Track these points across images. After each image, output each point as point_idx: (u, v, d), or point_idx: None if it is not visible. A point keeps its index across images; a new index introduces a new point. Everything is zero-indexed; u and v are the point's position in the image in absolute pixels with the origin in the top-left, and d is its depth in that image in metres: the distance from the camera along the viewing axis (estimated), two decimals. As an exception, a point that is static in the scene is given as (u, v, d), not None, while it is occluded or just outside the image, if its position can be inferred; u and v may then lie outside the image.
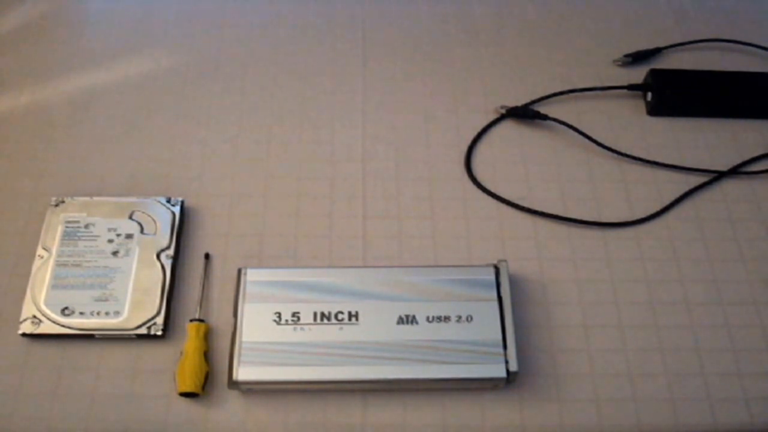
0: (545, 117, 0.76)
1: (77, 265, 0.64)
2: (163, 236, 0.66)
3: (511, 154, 0.75)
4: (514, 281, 0.65)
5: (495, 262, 0.64)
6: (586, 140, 0.75)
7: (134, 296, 0.63)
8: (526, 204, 0.71)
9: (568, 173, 0.74)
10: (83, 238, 0.65)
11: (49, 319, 0.61)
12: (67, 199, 0.68)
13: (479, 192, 0.72)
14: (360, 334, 0.60)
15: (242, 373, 0.58)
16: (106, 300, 0.62)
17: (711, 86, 0.78)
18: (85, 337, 0.62)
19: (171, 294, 0.64)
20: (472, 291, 0.62)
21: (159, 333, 0.61)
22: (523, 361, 0.61)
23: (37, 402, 0.60)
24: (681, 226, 0.70)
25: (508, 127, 0.77)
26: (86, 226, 0.66)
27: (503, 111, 0.77)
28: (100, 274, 0.64)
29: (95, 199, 0.68)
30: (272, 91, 0.79)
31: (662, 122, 0.78)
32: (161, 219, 0.67)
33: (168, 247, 0.65)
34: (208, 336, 0.62)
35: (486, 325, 0.60)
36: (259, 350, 0.59)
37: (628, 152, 0.75)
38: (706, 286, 0.67)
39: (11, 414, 0.59)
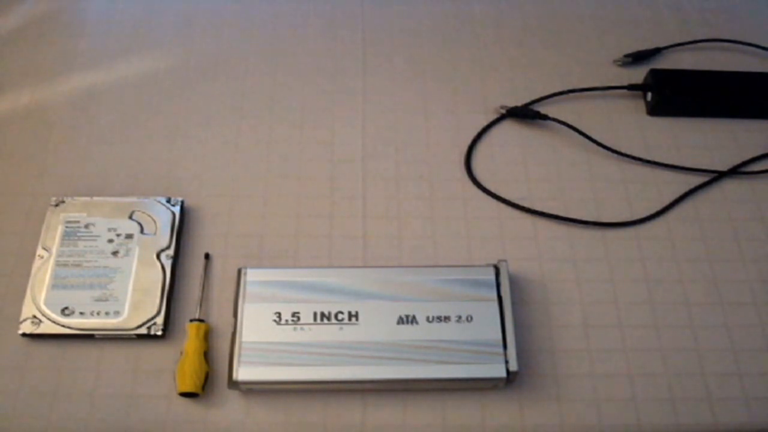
0: (545, 117, 0.76)
1: (77, 265, 0.64)
2: (163, 236, 0.66)
3: (511, 154, 0.75)
4: (514, 281, 0.65)
5: (495, 262, 0.64)
6: (586, 140, 0.75)
7: (134, 296, 0.63)
8: (526, 204, 0.71)
9: (568, 173, 0.74)
10: (83, 238, 0.65)
11: (49, 319, 0.61)
12: (67, 199, 0.68)
13: (479, 192, 0.72)
14: (360, 334, 0.60)
15: (242, 373, 0.58)
16: (106, 300, 0.62)
17: (711, 86, 0.78)
18: (85, 337, 0.62)
19: (171, 294, 0.64)
20: (472, 291, 0.62)
21: (159, 333, 0.61)
22: (523, 361, 0.61)
23: (37, 402, 0.60)
24: (681, 226, 0.70)
25: (508, 127, 0.77)
26: (86, 226, 0.66)
27: (503, 111, 0.77)
28: (100, 274, 0.64)
29: (95, 199, 0.68)
30: (272, 91, 0.79)
31: (662, 122, 0.78)
32: (161, 219, 0.67)
33: (168, 247, 0.65)
34: (208, 336, 0.62)
35: (486, 325, 0.60)
36: (259, 350, 0.59)
37: (628, 152, 0.75)
38: (706, 286, 0.67)
39: (11, 414, 0.59)
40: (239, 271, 0.63)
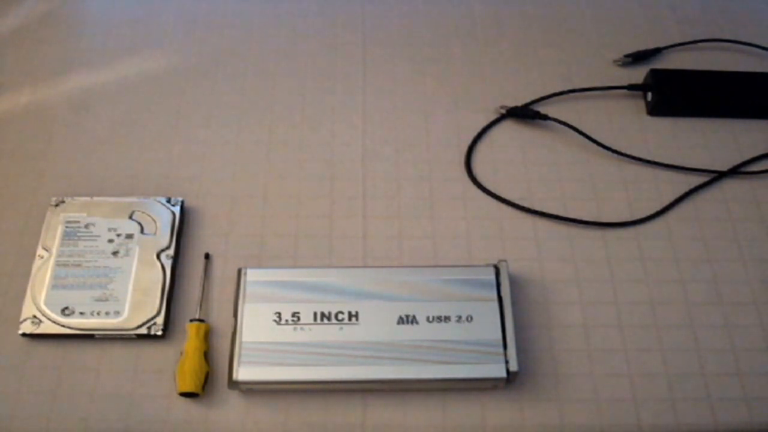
0: (545, 117, 0.76)
1: (77, 265, 0.64)
2: (163, 236, 0.66)
3: (511, 154, 0.75)
4: (514, 281, 0.65)
5: (495, 262, 0.64)
6: (586, 140, 0.75)
7: (134, 296, 0.63)
8: (526, 204, 0.71)
9: (568, 173, 0.74)
10: (83, 238, 0.65)
11: (49, 319, 0.61)
12: (67, 199, 0.68)
13: (479, 192, 0.72)
14: (360, 334, 0.60)
15: (242, 373, 0.58)
16: (106, 300, 0.62)
17: (711, 86, 0.78)
18: (85, 337, 0.62)
19: (171, 294, 0.64)
20: (472, 291, 0.62)
21: (159, 333, 0.61)
22: (523, 361, 0.61)
23: (37, 402, 0.60)
24: (681, 226, 0.70)
25: (508, 127, 0.77)
26: (86, 226, 0.66)
27: (503, 111, 0.77)
28: (100, 274, 0.64)
29: (95, 199, 0.68)
30: (272, 91, 0.79)
31: (662, 122, 0.78)
32: (161, 219, 0.67)
33: (168, 247, 0.65)
34: (208, 336, 0.62)
35: (486, 325, 0.60)
36: (259, 350, 0.59)
37: (628, 152, 0.75)
38: (706, 286, 0.67)
39: (11, 414, 0.59)
40: (239, 271, 0.63)
